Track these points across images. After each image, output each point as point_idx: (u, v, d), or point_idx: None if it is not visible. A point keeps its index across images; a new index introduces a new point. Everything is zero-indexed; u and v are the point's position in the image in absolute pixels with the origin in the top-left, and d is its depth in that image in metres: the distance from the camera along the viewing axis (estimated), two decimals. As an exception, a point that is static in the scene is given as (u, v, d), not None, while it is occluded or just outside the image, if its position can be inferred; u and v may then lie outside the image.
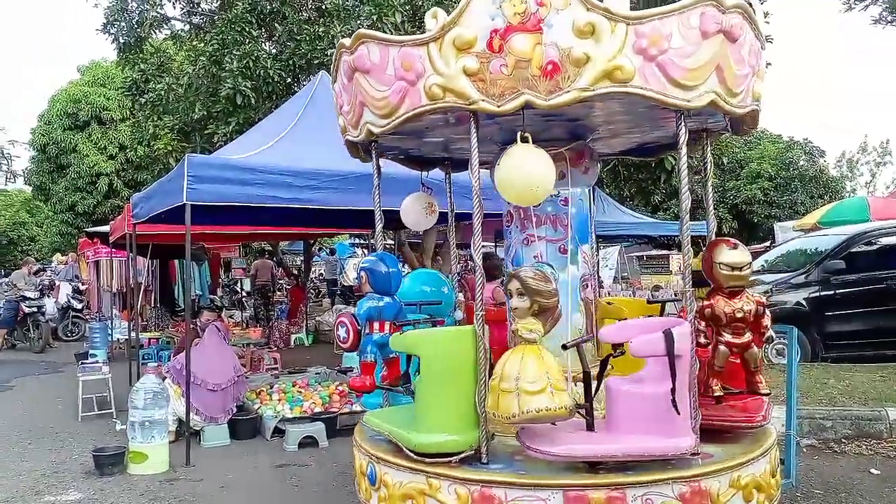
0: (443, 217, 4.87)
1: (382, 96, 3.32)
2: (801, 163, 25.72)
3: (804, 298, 8.70)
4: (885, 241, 9.25)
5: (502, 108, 3.07)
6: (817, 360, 8.31)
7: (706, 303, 3.55)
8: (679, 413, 3.10)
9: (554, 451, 3.06)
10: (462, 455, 3.23)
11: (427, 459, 3.25)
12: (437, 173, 4.98)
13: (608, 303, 4.64)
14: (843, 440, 5.87)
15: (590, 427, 3.24)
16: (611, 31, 2.96)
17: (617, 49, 2.97)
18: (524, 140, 3.23)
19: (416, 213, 4.56)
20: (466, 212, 6.65)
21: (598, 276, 4.57)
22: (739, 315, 3.49)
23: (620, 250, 20.24)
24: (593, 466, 3.12)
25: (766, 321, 3.55)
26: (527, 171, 3.19)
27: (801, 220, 15.43)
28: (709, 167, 4.16)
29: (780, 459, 3.93)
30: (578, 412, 3.23)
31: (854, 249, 9.04)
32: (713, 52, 3.04)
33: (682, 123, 3.21)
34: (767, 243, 17.70)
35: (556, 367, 3.10)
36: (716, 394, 3.46)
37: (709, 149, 4.16)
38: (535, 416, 2.99)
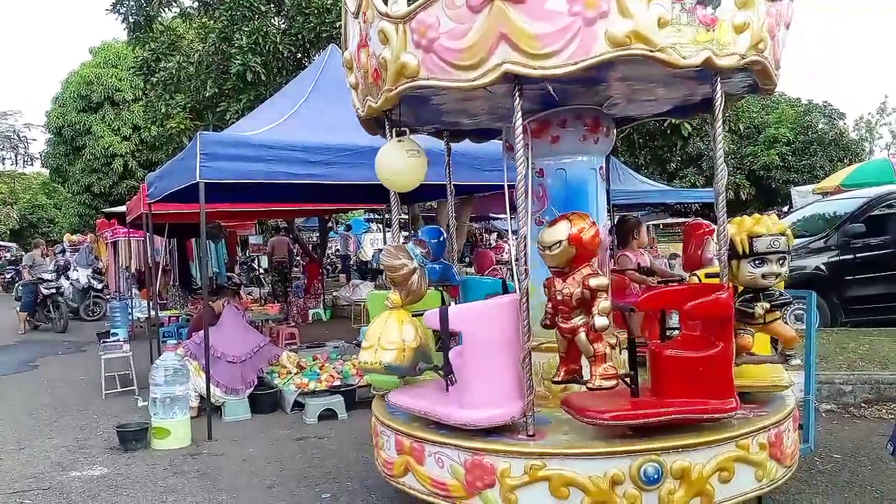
0: (459, 189, 4.82)
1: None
2: (821, 126, 25.29)
3: (823, 263, 8.61)
4: (906, 203, 9.09)
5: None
6: (837, 325, 8.25)
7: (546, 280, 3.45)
8: (452, 384, 3.34)
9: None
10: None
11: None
12: (433, 144, 4.88)
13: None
14: (863, 405, 5.84)
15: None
16: (395, 32, 3.26)
17: (401, 48, 3.26)
18: (399, 135, 3.82)
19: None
20: (480, 183, 6.67)
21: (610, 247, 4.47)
22: (559, 297, 3.29)
23: (614, 220, 20.08)
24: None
25: (597, 305, 3.17)
26: (382, 164, 3.86)
27: (822, 184, 15.23)
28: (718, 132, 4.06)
29: (799, 424, 3.96)
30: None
31: (874, 213, 8.90)
32: (489, 23, 2.98)
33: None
34: (785, 208, 17.50)
35: (395, 332, 3.49)
36: (554, 379, 3.45)
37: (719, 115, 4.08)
38: (363, 366, 3.62)
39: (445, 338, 3.40)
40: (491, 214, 18.94)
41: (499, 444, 3.20)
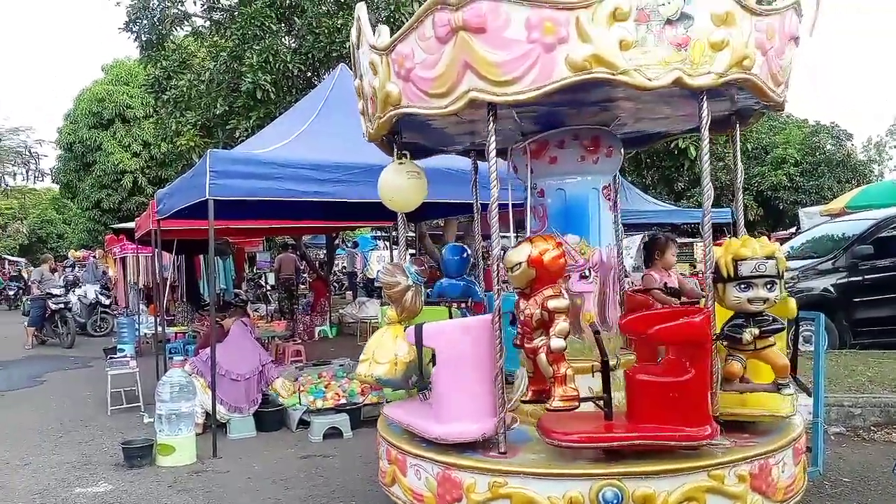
0: (464, 208, 4.85)
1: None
2: (828, 147, 25.25)
3: (832, 284, 8.57)
4: (914, 225, 9.06)
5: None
6: (845, 347, 8.19)
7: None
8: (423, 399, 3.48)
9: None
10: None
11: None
12: (435, 162, 4.92)
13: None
14: (873, 428, 5.78)
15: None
16: (380, 63, 3.46)
17: (385, 78, 3.45)
18: (400, 157, 4.00)
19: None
20: (486, 202, 6.69)
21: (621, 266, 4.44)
22: (521, 318, 3.30)
23: (643, 238, 20.05)
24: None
25: (554, 327, 3.20)
26: (383, 186, 4.04)
27: (829, 205, 15.17)
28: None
29: (808, 447, 3.89)
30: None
31: (882, 234, 8.87)
32: (455, 53, 3.08)
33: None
34: (793, 229, 17.45)
35: (389, 346, 3.67)
36: (522, 399, 3.38)
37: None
38: (358, 377, 3.90)
39: (419, 353, 3.52)
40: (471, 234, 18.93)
41: (468, 459, 3.26)
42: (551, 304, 3.19)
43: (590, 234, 3.98)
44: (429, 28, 3.15)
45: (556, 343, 3.14)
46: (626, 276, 5.09)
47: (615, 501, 2.99)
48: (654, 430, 3.07)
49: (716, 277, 3.24)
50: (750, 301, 3.22)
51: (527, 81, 3.02)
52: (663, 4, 2.94)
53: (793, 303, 3.62)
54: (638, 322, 3.41)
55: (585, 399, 3.29)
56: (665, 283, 4.65)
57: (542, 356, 3.22)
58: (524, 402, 3.41)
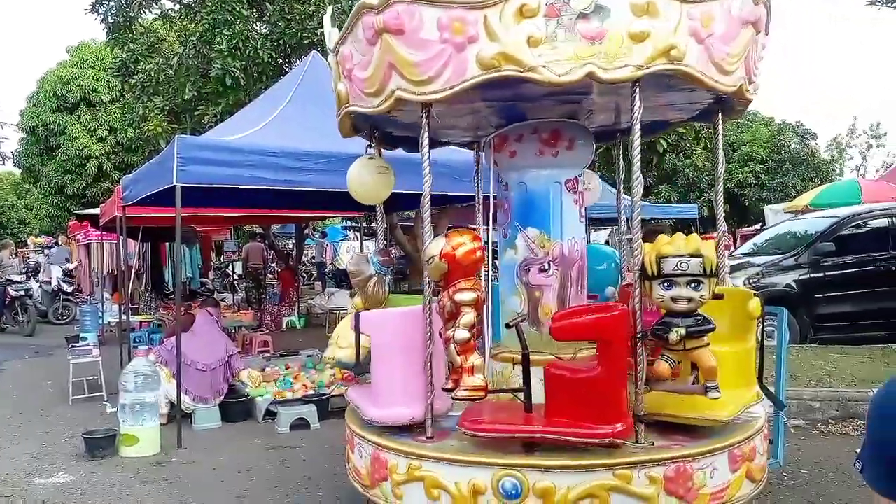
0: (436, 199, 4.83)
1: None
2: (793, 145, 25.73)
3: (794, 280, 8.73)
4: (874, 223, 9.28)
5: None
6: (806, 342, 8.37)
7: None
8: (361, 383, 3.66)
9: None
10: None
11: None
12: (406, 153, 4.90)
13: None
14: (831, 421, 5.92)
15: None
16: (335, 64, 3.67)
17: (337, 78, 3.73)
18: (371, 153, 4.12)
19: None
20: (459, 194, 6.68)
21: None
22: (438, 309, 3.37)
23: (612, 233, 20.27)
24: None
25: (459, 319, 3.22)
26: (350, 180, 4.16)
27: (792, 203, 15.48)
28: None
29: (769, 440, 3.95)
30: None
31: (844, 232, 9.07)
32: (381, 54, 3.21)
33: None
34: (758, 226, 17.76)
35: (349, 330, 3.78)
36: (443, 387, 3.42)
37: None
38: (325, 360, 4.21)
39: (357, 339, 3.67)
40: (469, 225, 18.97)
41: (394, 442, 3.39)
42: (458, 296, 3.25)
43: (551, 227, 3.95)
44: (360, 31, 3.29)
45: (460, 334, 3.21)
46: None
47: (514, 492, 3.02)
48: (564, 424, 3.07)
49: (643, 275, 3.17)
50: (673, 300, 3.09)
51: (441, 80, 3.09)
52: None
53: (755, 303, 3.55)
54: (558, 318, 3.36)
55: (498, 391, 3.45)
56: None
57: (451, 346, 3.29)
58: (444, 389, 3.46)
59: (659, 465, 3.05)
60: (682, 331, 3.08)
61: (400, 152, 4.75)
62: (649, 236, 4.78)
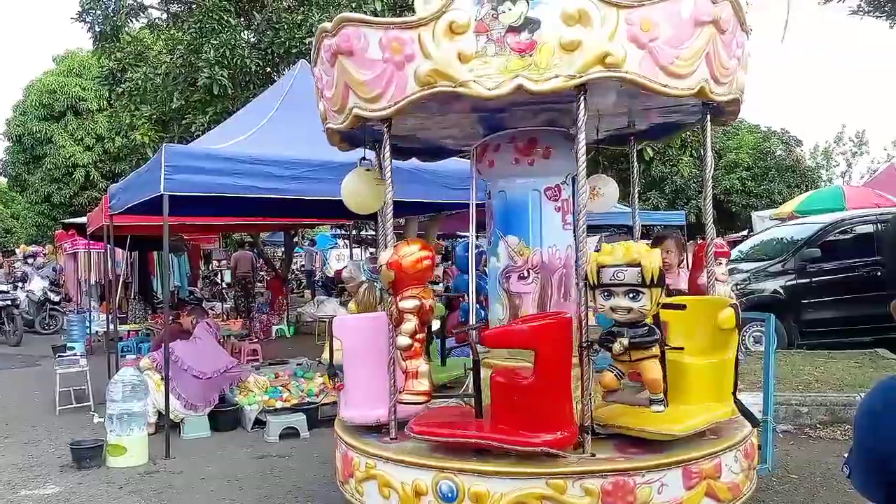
0: (427, 207, 4.89)
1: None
2: (779, 152, 25.92)
3: (781, 286, 8.81)
4: (859, 229, 9.38)
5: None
6: (794, 348, 8.42)
7: None
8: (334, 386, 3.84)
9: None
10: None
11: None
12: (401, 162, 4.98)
13: None
14: (818, 426, 5.96)
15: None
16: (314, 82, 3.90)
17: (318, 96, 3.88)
18: (368, 165, 4.20)
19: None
20: (449, 202, 6.70)
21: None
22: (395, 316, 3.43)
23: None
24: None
25: (402, 326, 3.28)
26: (344, 191, 4.24)
27: (778, 209, 15.60)
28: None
29: (758, 445, 3.96)
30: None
31: (829, 238, 9.16)
32: (339, 74, 3.41)
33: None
34: (745, 232, 17.88)
35: None
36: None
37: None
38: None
39: (330, 343, 3.89)
40: (458, 233, 18.97)
41: (359, 441, 3.56)
42: (401, 304, 3.34)
43: (530, 235, 3.92)
44: (323, 54, 3.51)
45: (401, 341, 3.30)
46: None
47: (451, 495, 3.10)
48: (505, 431, 3.09)
49: (586, 284, 3.15)
50: (613, 309, 3.04)
51: (387, 97, 3.22)
52: (504, 12, 2.93)
53: (726, 314, 3.42)
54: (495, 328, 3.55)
55: (443, 396, 3.66)
56: (667, 285, 4.57)
57: (398, 352, 3.38)
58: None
59: (596, 477, 3.00)
60: (626, 341, 3.03)
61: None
62: (656, 243, 4.82)
